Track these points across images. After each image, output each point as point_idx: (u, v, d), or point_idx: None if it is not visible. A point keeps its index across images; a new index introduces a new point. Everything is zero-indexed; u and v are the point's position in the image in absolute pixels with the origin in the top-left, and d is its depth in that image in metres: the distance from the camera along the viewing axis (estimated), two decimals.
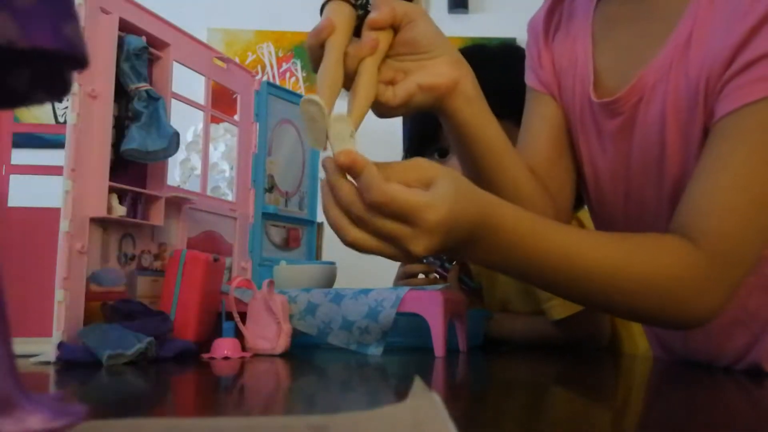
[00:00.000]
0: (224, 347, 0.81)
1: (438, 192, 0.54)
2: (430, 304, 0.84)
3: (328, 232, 0.61)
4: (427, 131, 1.22)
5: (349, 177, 0.54)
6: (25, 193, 1.07)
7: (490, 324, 1.21)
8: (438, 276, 1.27)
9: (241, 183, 1.11)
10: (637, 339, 1.21)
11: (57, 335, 0.72)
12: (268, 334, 0.85)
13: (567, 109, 0.83)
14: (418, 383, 0.27)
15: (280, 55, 2.73)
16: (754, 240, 0.64)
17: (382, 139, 2.57)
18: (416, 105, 0.66)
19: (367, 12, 0.63)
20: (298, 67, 2.73)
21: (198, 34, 1.02)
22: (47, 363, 0.70)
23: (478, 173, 0.74)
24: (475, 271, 1.32)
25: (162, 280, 0.86)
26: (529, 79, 0.87)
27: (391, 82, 0.65)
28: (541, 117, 0.84)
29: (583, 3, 0.82)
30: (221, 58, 1.07)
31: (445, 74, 0.66)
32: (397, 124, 2.58)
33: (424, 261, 1.31)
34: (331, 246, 0.78)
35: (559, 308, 1.13)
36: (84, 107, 0.77)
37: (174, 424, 0.26)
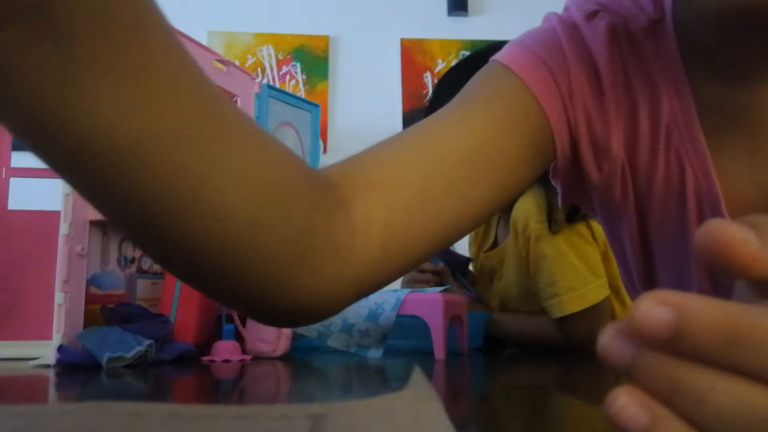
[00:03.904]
0: (224, 350, 0.81)
1: None
2: (431, 307, 0.84)
3: None
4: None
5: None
6: (25, 195, 1.07)
7: (489, 323, 1.21)
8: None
9: None
10: None
11: (57, 338, 0.72)
12: (268, 336, 0.85)
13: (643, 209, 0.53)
14: (416, 374, 0.27)
15: (280, 57, 2.73)
16: None
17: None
18: None
19: None
20: (298, 69, 2.73)
21: (198, 37, 1.02)
22: (47, 366, 0.70)
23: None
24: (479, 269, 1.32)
25: (162, 283, 0.86)
26: (539, 82, 0.48)
27: None
28: (501, 114, 0.46)
29: (656, 64, 0.49)
30: (221, 61, 1.07)
31: None
32: (397, 123, 2.59)
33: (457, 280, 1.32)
34: None
35: (561, 306, 1.13)
36: None
37: (174, 409, 0.27)
